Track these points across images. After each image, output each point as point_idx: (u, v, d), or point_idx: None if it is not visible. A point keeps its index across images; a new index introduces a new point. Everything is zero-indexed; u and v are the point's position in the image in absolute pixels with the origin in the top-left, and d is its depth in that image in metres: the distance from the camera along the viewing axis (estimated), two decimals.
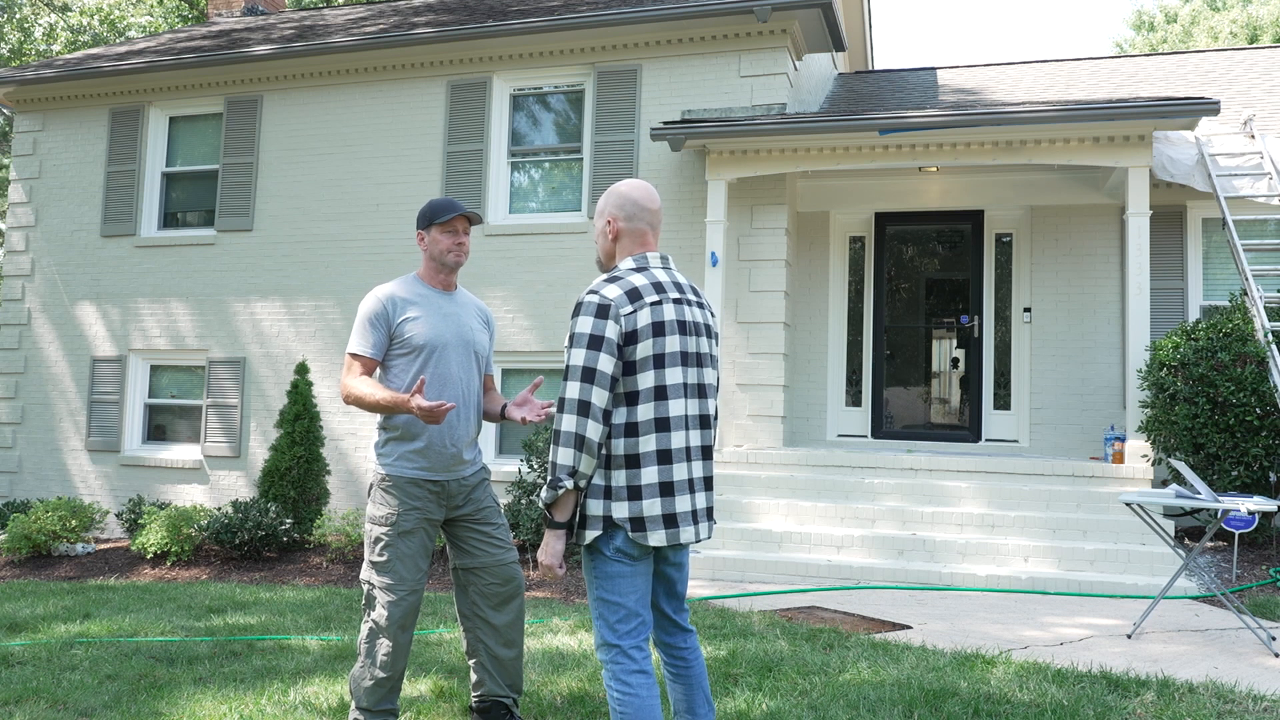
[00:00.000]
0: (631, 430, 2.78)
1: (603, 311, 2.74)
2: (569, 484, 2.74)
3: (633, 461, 2.78)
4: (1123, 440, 7.68)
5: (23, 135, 11.77)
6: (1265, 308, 7.61)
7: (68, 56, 12.91)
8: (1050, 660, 4.72)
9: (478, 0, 11.77)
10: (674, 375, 2.83)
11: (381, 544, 3.57)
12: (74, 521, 8.99)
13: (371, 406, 3.50)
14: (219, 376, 10.56)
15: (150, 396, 11.05)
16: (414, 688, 4.30)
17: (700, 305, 2.99)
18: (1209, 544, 7.42)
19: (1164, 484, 7.83)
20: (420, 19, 11.03)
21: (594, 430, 2.72)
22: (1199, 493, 5.10)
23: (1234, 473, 7.08)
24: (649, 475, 2.78)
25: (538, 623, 5.63)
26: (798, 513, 7.60)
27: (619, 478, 2.79)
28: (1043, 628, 5.54)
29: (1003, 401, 9.41)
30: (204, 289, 10.73)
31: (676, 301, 2.87)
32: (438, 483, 3.64)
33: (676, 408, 2.82)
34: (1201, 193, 8.64)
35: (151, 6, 23.69)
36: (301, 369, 8.90)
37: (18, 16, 22.37)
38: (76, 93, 11.48)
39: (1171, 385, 7.16)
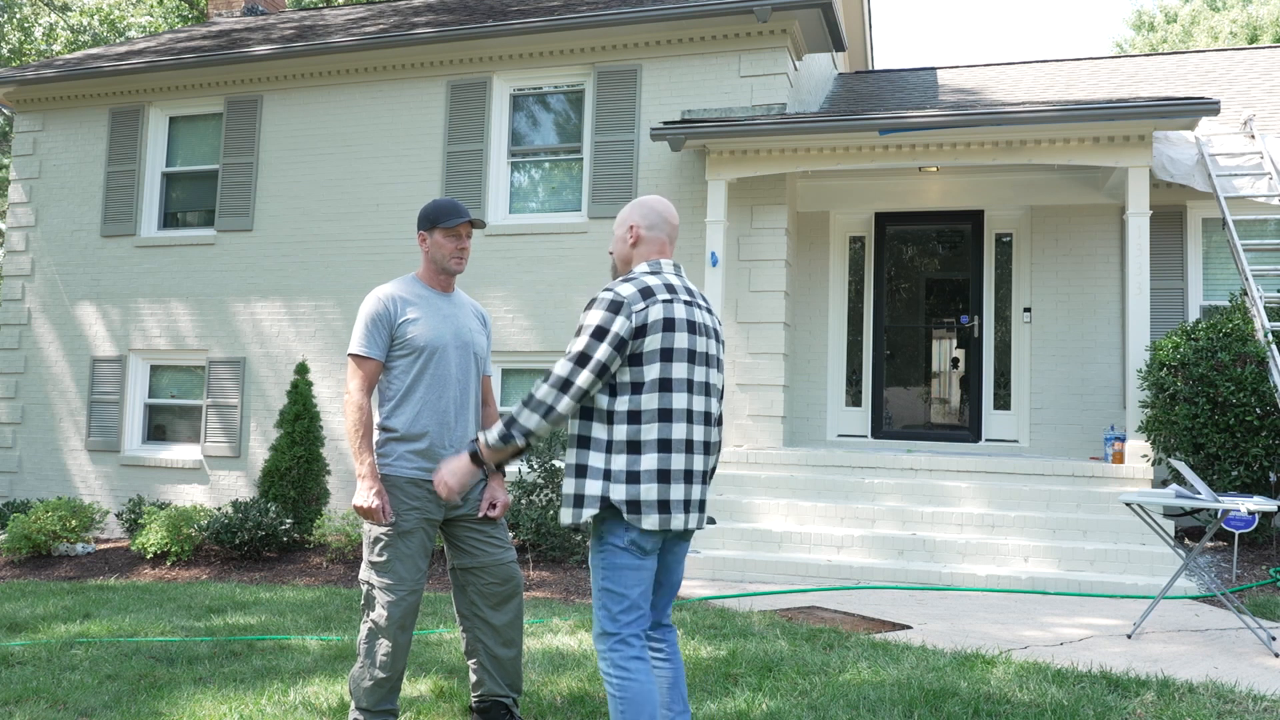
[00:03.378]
0: (635, 418, 2.87)
1: (615, 307, 2.86)
2: (520, 442, 2.92)
3: (634, 448, 2.86)
4: (1123, 440, 7.68)
5: (23, 135, 11.77)
6: (1265, 308, 7.61)
7: (68, 56, 12.91)
8: (1050, 660, 4.72)
9: (478, 0, 11.77)
10: (680, 370, 2.91)
11: (381, 544, 3.57)
12: (74, 521, 8.99)
13: (348, 436, 3.60)
14: (219, 376, 10.56)
15: (150, 396, 11.05)
16: (414, 688, 4.31)
17: (709, 311, 3.13)
18: (1209, 544, 7.42)
19: (1164, 484, 7.83)
20: (420, 19, 11.03)
21: (566, 407, 2.85)
22: (1199, 493, 5.09)
23: (1234, 473, 7.08)
24: (649, 462, 2.86)
25: (537, 623, 5.63)
26: (798, 513, 7.60)
27: (619, 462, 2.87)
28: (1043, 628, 5.54)
29: (1003, 401, 9.41)
30: (204, 289, 10.73)
31: (687, 303, 3.00)
32: None
33: (680, 400, 2.91)
34: (1201, 193, 8.64)
35: (151, 6, 23.69)
36: (301, 369, 8.91)
37: (18, 16, 22.37)
38: (76, 93, 11.48)
39: (1171, 385, 7.16)
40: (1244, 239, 8.14)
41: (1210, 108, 7.49)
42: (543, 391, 2.86)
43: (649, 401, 2.87)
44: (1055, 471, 7.64)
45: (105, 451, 10.87)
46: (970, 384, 9.48)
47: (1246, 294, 7.54)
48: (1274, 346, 7.07)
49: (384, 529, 3.56)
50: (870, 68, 14.41)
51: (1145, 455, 7.50)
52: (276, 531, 8.20)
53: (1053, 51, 62.49)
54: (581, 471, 2.91)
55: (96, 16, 22.94)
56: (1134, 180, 7.83)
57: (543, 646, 5.06)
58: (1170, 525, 6.57)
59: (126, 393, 10.92)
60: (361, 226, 10.22)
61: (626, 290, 2.88)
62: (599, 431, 2.90)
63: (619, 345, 2.83)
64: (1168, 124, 7.84)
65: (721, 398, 3.13)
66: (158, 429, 11.01)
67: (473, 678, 3.78)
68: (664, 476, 2.87)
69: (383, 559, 3.57)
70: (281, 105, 10.69)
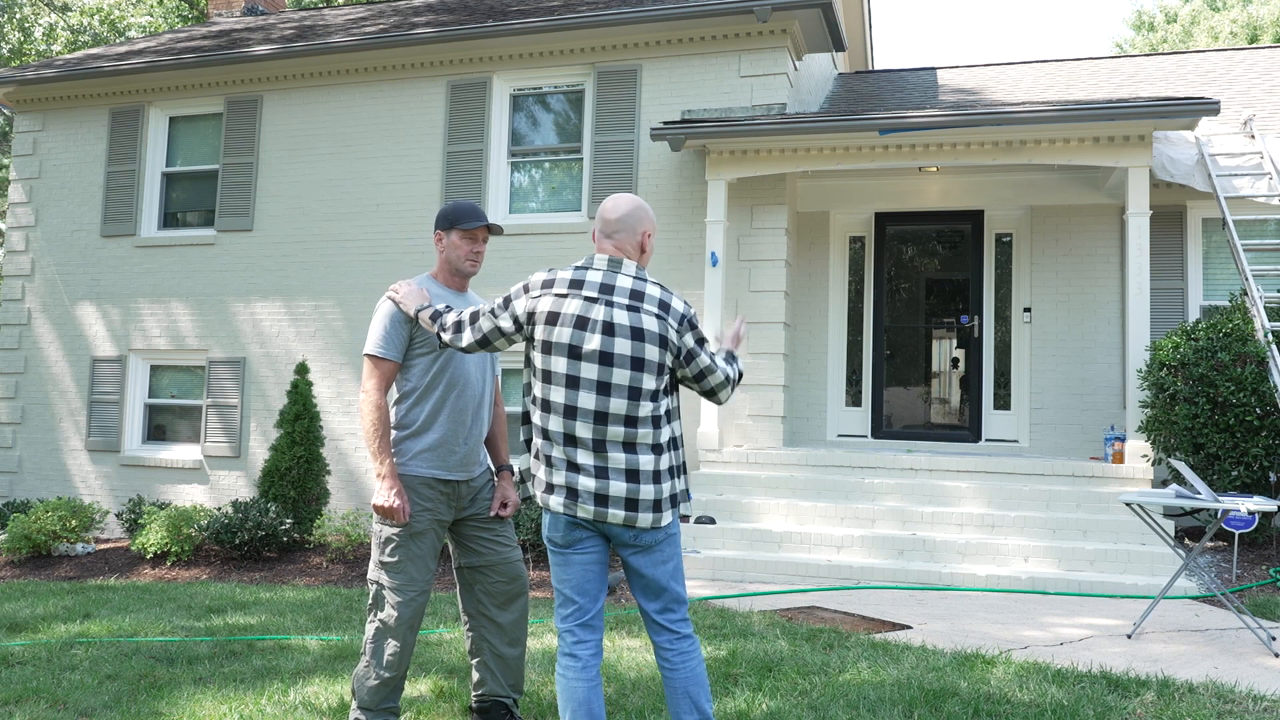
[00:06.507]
0: (545, 406, 3.08)
1: (525, 287, 3.15)
2: (445, 336, 3.30)
3: (545, 434, 3.08)
4: (1123, 440, 7.68)
5: (23, 135, 11.77)
6: (1265, 308, 7.61)
7: (68, 56, 12.91)
8: (1050, 660, 4.72)
9: (478, 0, 11.77)
10: (559, 364, 3.03)
11: (393, 545, 3.57)
12: (74, 521, 8.99)
13: (366, 436, 3.57)
14: (219, 376, 10.56)
15: (150, 396, 11.05)
16: (414, 688, 4.31)
17: (641, 311, 3.03)
18: (1209, 544, 7.42)
19: (1164, 484, 7.83)
20: (420, 19, 11.03)
21: (466, 338, 3.24)
22: (1199, 493, 5.09)
23: (1234, 473, 7.08)
24: (546, 447, 3.07)
25: (537, 622, 5.64)
26: (798, 513, 7.60)
27: (539, 444, 3.10)
28: (1043, 628, 5.54)
29: (1003, 401, 9.41)
30: (204, 289, 10.73)
31: (591, 300, 3.03)
32: (449, 483, 3.65)
33: (556, 394, 3.04)
34: (1201, 193, 8.64)
35: (151, 6, 23.68)
36: (301, 369, 8.90)
37: (18, 16, 22.37)
38: (76, 93, 11.48)
39: (1171, 385, 7.16)
40: (1244, 239, 8.14)
41: (1210, 108, 7.49)
42: (451, 322, 3.29)
43: (540, 390, 3.07)
44: (1055, 471, 7.64)
45: (105, 451, 10.87)
46: (970, 384, 9.48)
47: (1246, 294, 7.54)
48: (1274, 346, 7.07)
49: (396, 530, 3.56)
50: (870, 68, 14.41)
51: (1145, 455, 7.50)
52: (276, 531, 8.20)
53: (1053, 51, 62.50)
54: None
55: (96, 16, 22.93)
56: (1134, 180, 7.83)
57: (543, 646, 5.06)
58: (1170, 525, 6.57)
59: (126, 393, 10.92)
60: (361, 226, 10.22)
61: (537, 276, 3.14)
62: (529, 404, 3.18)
63: (515, 320, 3.12)
64: (1168, 124, 7.83)
65: (635, 395, 3.00)
66: (158, 429, 11.01)
67: (475, 676, 3.78)
68: (559, 463, 3.04)
69: (394, 559, 3.57)
70: (281, 105, 10.69)
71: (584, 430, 3.00)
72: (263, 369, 10.44)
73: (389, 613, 3.55)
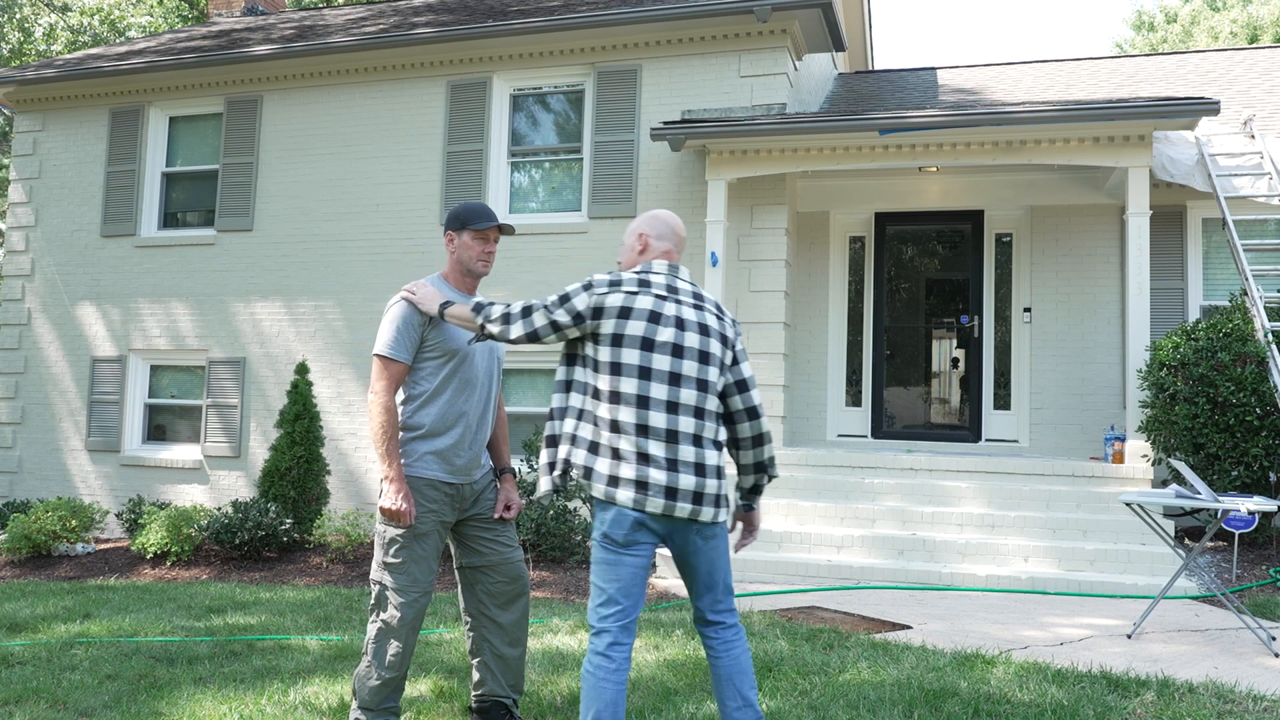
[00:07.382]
0: (614, 399, 3.11)
1: (586, 285, 3.20)
2: (478, 320, 3.30)
3: (614, 427, 3.09)
4: (1123, 440, 7.68)
5: (23, 135, 11.77)
6: (1265, 308, 7.61)
7: (68, 56, 12.92)
8: (1050, 660, 4.72)
9: (478, 0, 11.77)
10: (630, 355, 3.10)
11: (396, 546, 3.57)
12: (74, 521, 8.99)
13: (375, 438, 3.54)
14: (219, 376, 10.56)
15: (150, 396, 11.05)
16: (414, 688, 4.31)
17: (717, 314, 3.30)
18: (1209, 544, 7.42)
19: (1164, 484, 7.83)
20: (420, 19, 11.04)
21: (516, 330, 3.23)
22: (1199, 493, 5.10)
23: (1234, 473, 7.08)
24: (614, 439, 3.08)
25: (538, 623, 5.64)
26: (798, 513, 7.60)
27: (585, 430, 3.13)
28: (1043, 628, 5.54)
29: (1003, 401, 9.41)
30: (204, 289, 10.73)
31: (661, 297, 3.19)
32: (454, 485, 3.65)
33: (629, 385, 3.10)
34: (1201, 193, 8.64)
35: (151, 6, 23.68)
36: (301, 369, 8.91)
37: (18, 16, 22.36)
38: (76, 93, 11.48)
39: (1171, 385, 7.16)
40: (1244, 239, 8.14)
41: (1210, 108, 7.49)
42: (498, 314, 3.28)
43: (607, 383, 3.10)
44: (1055, 471, 7.64)
45: (105, 451, 10.87)
46: (970, 384, 9.48)
47: (1246, 294, 7.54)
48: (1274, 346, 7.07)
49: (400, 531, 3.56)
50: (870, 68, 14.41)
51: (1145, 455, 7.50)
52: (276, 531, 8.20)
53: (1053, 51, 62.50)
54: (554, 441, 3.21)
55: (96, 16, 22.93)
56: (1134, 180, 7.83)
57: (543, 646, 5.07)
58: (1170, 525, 6.57)
59: (126, 393, 10.92)
60: (361, 226, 10.22)
61: (600, 276, 3.22)
62: (575, 401, 3.19)
63: (575, 316, 3.14)
64: (1168, 124, 7.83)
65: (728, 394, 3.29)
66: (158, 429, 11.01)
67: (475, 676, 3.79)
68: (615, 454, 3.07)
69: (398, 561, 3.57)
70: (281, 105, 10.69)
71: (657, 420, 3.08)
72: (263, 369, 10.44)
73: (392, 613, 3.55)
